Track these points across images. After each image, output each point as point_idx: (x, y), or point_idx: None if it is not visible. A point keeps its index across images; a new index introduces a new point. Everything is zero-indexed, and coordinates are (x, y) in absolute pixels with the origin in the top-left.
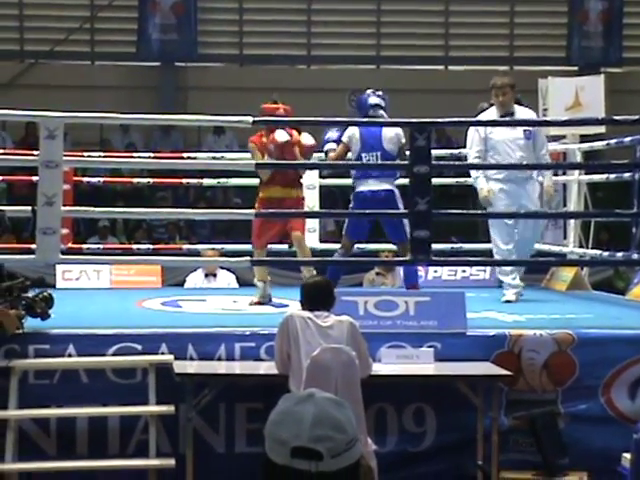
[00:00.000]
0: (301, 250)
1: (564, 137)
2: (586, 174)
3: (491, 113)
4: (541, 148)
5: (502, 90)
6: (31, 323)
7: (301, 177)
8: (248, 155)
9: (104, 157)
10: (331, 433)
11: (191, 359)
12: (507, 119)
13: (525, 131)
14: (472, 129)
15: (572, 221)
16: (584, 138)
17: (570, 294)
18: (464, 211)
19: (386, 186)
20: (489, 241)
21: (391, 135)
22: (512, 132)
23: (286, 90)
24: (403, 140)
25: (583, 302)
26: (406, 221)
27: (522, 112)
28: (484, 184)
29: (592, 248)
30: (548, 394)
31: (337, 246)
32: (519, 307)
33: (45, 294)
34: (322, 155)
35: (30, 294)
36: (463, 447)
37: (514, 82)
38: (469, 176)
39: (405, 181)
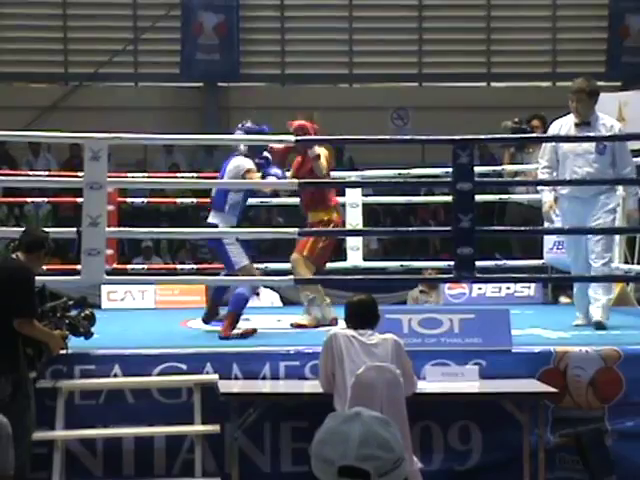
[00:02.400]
0: (295, 273)
1: None
2: None
3: (568, 120)
4: (624, 166)
5: (576, 96)
6: (77, 343)
7: (325, 197)
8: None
9: (148, 177)
10: (378, 452)
11: (236, 378)
12: (582, 135)
13: (598, 145)
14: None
15: (617, 237)
16: None
17: (616, 310)
18: (508, 227)
19: (211, 220)
20: (525, 257)
21: (230, 167)
22: (583, 144)
23: (328, 109)
24: (242, 171)
25: (629, 318)
26: (231, 253)
27: (605, 121)
28: (547, 197)
29: (638, 263)
30: (595, 411)
31: (381, 264)
32: (564, 324)
33: (87, 312)
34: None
35: (72, 313)
36: (509, 465)
37: (594, 88)
38: (512, 193)
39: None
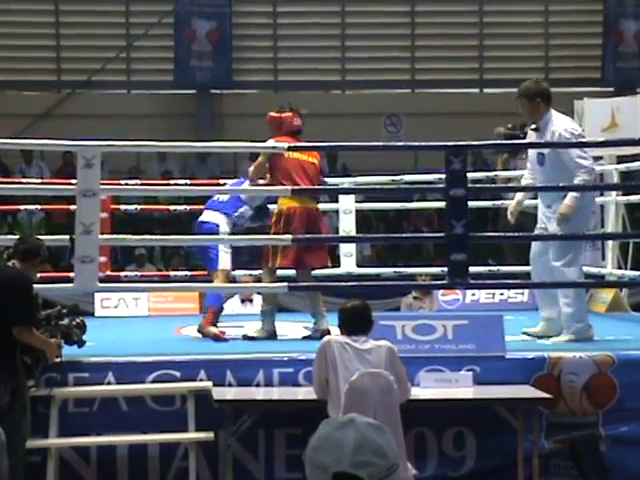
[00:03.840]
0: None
1: (601, 158)
2: (623, 195)
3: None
4: (573, 167)
5: (518, 101)
6: (70, 351)
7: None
8: None
9: (141, 185)
10: (372, 459)
11: (230, 385)
12: (533, 141)
13: (539, 155)
14: None
15: (610, 242)
16: (621, 159)
17: (609, 316)
18: (500, 234)
19: (209, 219)
20: (519, 263)
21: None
22: (533, 154)
23: (321, 115)
24: None
25: (623, 323)
26: (220, 252)
27: (554, 127)
28: (517, 197)
29: (631, 269)
30: (589, 417)
31: (374, 271)
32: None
33: (78, 321)
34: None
35: (65, 321)
36: (503, 471)
37: (536, 90)
38: (504, 199)
39: None
